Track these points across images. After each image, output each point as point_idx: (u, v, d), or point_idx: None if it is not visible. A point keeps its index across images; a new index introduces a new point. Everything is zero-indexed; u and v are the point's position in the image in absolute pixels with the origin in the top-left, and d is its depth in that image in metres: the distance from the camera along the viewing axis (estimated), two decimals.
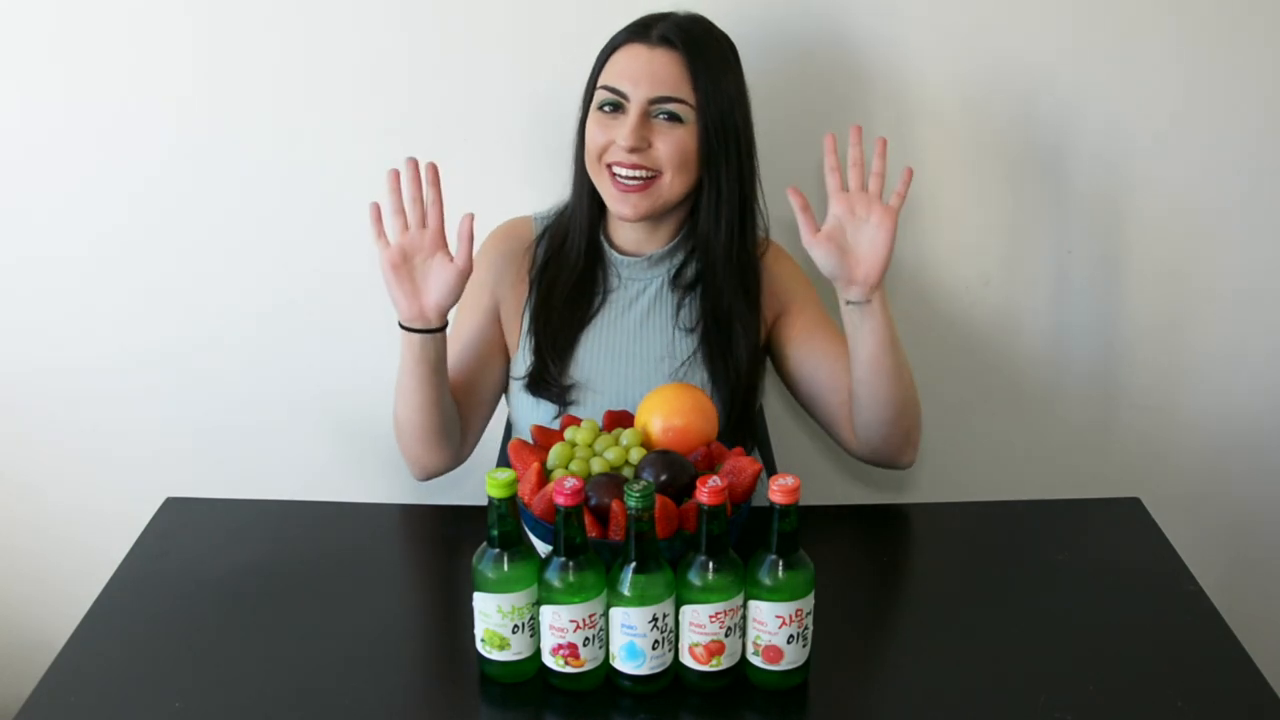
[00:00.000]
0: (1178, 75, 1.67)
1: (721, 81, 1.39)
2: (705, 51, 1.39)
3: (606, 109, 1.41)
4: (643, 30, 1.40)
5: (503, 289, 1.52)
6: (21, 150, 1.71)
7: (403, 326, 1.37)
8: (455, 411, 1.47)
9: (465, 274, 1.34)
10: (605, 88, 1.40)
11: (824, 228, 1.33)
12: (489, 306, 1.52)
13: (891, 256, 1.33)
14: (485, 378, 1.52)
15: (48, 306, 1.78)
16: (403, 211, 1.33)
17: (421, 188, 1.33)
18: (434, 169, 1.33)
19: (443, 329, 1.38)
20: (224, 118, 1.68)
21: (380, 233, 1.33)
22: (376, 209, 1.32)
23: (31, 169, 1.71)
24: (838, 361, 1.46)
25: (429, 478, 1.51)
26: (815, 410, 1.51)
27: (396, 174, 1.32)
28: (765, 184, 1.50)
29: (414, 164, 1.32)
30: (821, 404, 1.49)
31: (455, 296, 1.35)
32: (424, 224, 1.34)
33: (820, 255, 1.33)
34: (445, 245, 1.35)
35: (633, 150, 1.38)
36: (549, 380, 1.46)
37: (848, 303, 1.36)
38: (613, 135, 1.40)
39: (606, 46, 1.43)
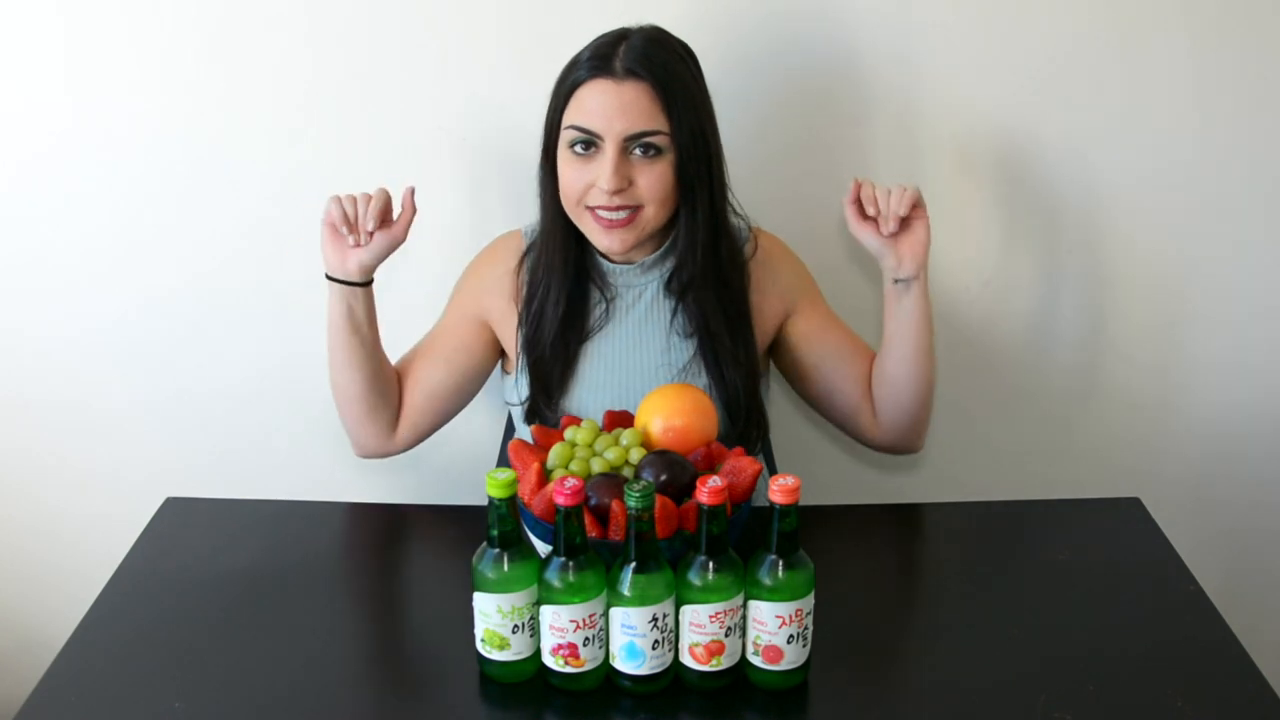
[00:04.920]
0: (1176, 77, 1.67)
1: (691, 103, 1.36)
2: (672, 75, 1.35)
3: (579, 149, 1.37)
4: (604, 63, 1.34)
5: (491, 299, 1.51)
6: (21, 151, 1.71)
7: (327, 276, 1.42)
8: (387, 386, 1.48)
9: (398, 241, 1.41)
10: (576, 128, 1.35)
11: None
12: (471, 314, 1.52)
13: (930, 237, 1.40)
14: (440, 374, 1.51)
15: (48, 307, 1.78)
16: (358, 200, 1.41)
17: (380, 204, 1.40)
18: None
19: (365, 285, 1.43)
20: (221, 121, 1.68)
21: (335, 196, 1.40)
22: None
23: (30, 170, 1.71)
24: (855, 355, 1.50)
25: (366, 455, 1.54)
26: (833, 404, 1.52)
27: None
28: (751, 173, 1.51)
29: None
30: (840, 398, 1.51)
31: (379, 258, 1.41)
32: (369, 200, 1.40)
33: (867, 238, 1.40)
34: (389, 215, 1.41)
35: (615, 192, 1.35)
36: (544, 416, 1.47)
37: (896, 281, 1.41)
38: (590, 178, 1.36)
39: (567, 81, 1.37)
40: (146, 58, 1.65)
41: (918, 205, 1.38)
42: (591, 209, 1.38)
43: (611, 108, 1.33)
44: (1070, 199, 1.74)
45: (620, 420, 1.35)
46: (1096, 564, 1.34)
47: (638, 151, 1.35)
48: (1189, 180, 1.73)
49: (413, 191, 1.41)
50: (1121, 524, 1.43)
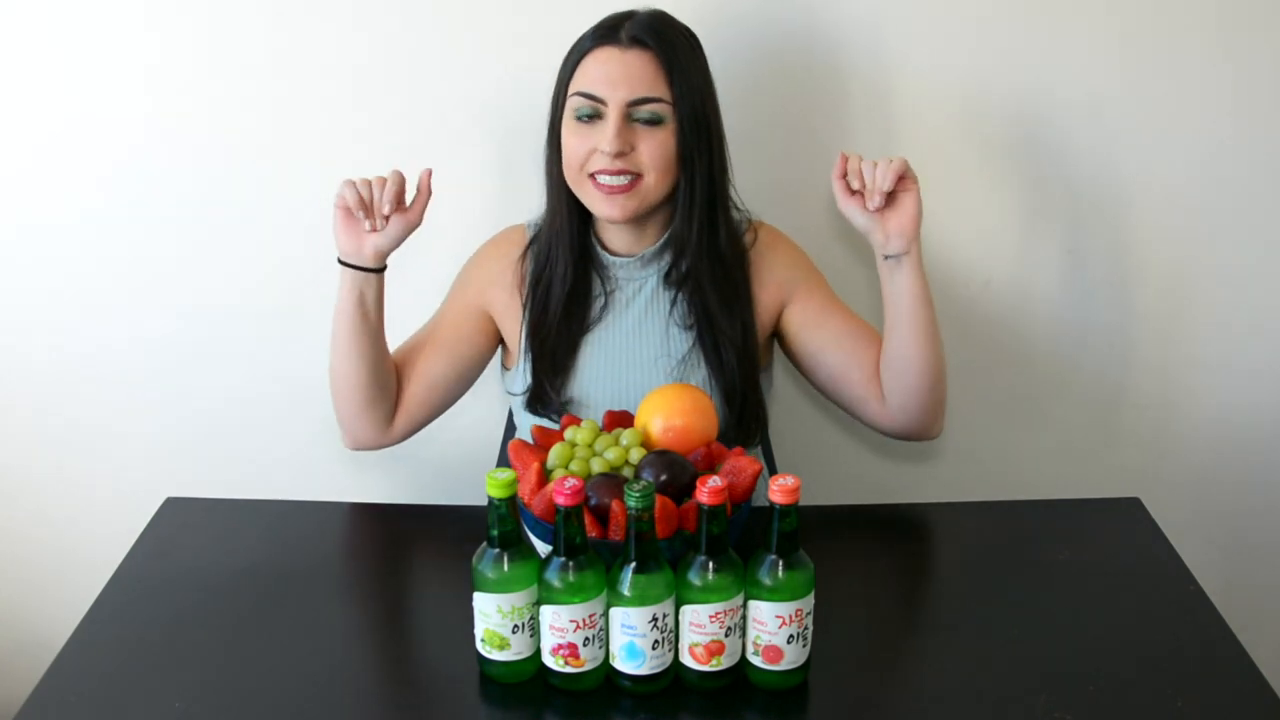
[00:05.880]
0: (1178, 75, 1.67)
1: (693, 76, 1.39)
2: (676, 47, 1.38)
3: (584, 117, 1.39)
4: (610, 32, 1.38)
5: (494, 292, 1.52)
6: (20, 149, 1.71)
7: (340, 261, 1.41)
8: (387, 378, 1.47)
9: (413, 225, 1.40)
10: (581, 94, 1.38)
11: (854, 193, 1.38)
12: (474, 305, 1.52)
13: (921, 209, 1.37)
14: (441, 366, 1.51)
15: (48, 306, 1.79)
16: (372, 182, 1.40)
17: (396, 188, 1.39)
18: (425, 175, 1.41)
19: (379, 271, 1.41)
20: (223, 119, 1.68)
21: (349, 180, 1.38)
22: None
23: (29, 168, 1.72)
24: (859, 339, 1.48)
25: (358, 447, 1.52)
26: (840, 391, 1.51)
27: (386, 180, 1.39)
28: (751, 170, 1.50)
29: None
30: (847, 383, 1.49)
31: (395, 243, 1.40)
32: (384, 184, 1.39)
33: (853, 213, 1.38)
34: (403, 198, 1.40)
35: (617, 156, 1.36)
36: (547, 400, 1.47)
37: (886, 257, 1.39)
38: (593, 143, 1.38)
39: (573, 52, 1.41)
40: (148, 59, 1.66)
41: (905, 177, 1.36)
42: (593, 177, 1.39)
43: (616, 74, 1.36)
44: (1071, 200, 1.74)
45: (620, 420, 1.35)
46: (1096, 564, 1.34)
47: (641, 118, 1.37)
48: (1190, 180, 1.73)
49: (430, 174, 1.40)
50: (1121, 524, 1.42)
